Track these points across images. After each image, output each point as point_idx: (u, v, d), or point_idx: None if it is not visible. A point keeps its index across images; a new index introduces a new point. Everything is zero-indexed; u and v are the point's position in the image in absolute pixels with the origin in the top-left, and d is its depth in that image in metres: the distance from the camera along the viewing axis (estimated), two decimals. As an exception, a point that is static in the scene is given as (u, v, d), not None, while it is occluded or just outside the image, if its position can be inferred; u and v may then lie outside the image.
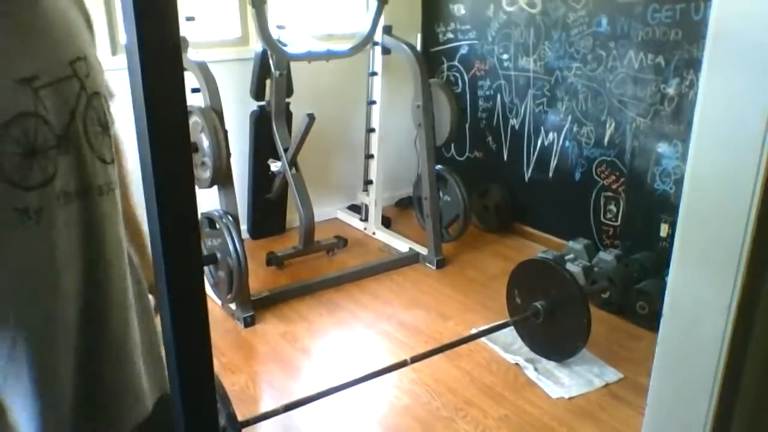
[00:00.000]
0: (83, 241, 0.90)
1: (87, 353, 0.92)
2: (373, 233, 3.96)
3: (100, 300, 0.93)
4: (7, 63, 0.82)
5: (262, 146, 3.63)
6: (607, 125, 3.29)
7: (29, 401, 0.87)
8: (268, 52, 3.28)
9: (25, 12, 0.86)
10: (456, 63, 4.11)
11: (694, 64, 2.84)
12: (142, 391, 1.01)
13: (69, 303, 0.89)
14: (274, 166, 3.48)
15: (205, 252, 2.94)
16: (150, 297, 1.08)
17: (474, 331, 2.76)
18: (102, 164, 0.93)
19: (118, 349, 0.96)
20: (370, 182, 3.93)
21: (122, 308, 0.97)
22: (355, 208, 4.20)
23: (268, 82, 3.48)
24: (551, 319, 2.51)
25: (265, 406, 2.32)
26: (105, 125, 0.95)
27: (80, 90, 0.90)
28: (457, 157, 4.28)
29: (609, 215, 3.41)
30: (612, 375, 2.55)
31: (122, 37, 0.58)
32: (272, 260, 3.52)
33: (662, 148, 3.05)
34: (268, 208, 3.86)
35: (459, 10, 3.98)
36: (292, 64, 3.42)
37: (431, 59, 4.17)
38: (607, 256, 3.14)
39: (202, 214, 2.89)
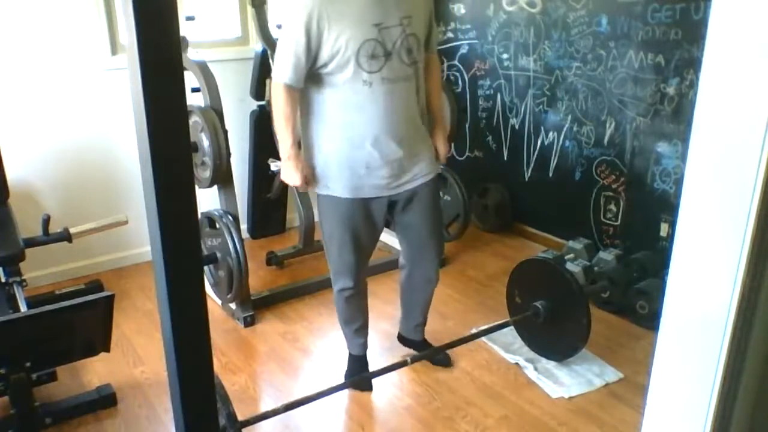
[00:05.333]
0: (388, 98, 2.04)
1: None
2: (373, 233, 3.96)
3: (391, 115, 2.07)
4: (372, 15, 1.97)
5: (262, 146, 3.62)
6: (607, 125, 3.29)
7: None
8: (268, 52, 3.28)
9: None
10: (456, 62, 4.11)
11: (694, 64, 2.84)
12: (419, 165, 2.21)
13: (377, 112, 2.05)
14: (274, 165, 3.46)
15: (205, 252, 2.94)
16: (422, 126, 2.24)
17: (474, 331, 2.76)
18: (405, 66, 2.06)
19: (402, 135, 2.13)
20: (370, 182, 3.93)
21: (404, 122, 2.12)
22: (355, 208, 4.19)
23: (268, 81, 3.47)
24: (551, 318, 2.51)
25: (265, 406, 2.32)
26: (410, 49, 2.05)
27: (401, 32, 2.02)
28: (456, 157, 4.28)
29: (609, 215, 3.41)
30: (612, 375, 2.55)
31: (122, 37, 0.58)
32: (272, 260, 3.52)
33: (662, 147, 3.05)
34: (268, 207, 3.85)
35: (459, 9, 3.98)
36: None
37: (431, 59, 4.16)
38: (607, 256, 3.14)
39: (202, 213, 2.89)
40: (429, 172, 2.25)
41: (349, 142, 2.09)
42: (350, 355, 2.54)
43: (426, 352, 2.56)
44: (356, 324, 2.45)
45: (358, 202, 2.16)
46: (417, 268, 2.43)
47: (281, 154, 2.13)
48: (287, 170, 2.13)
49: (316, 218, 3.51)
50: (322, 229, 2.28)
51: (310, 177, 2.16)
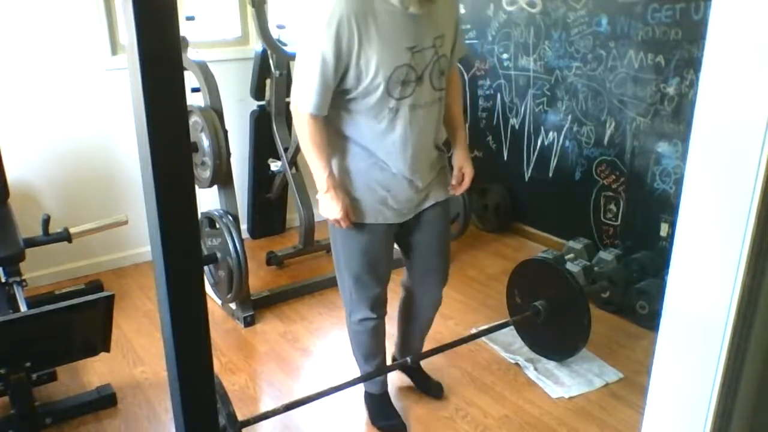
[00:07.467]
0: (411, 125, 1.84)
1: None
2: (373, 233, 3.95)
3: (413, 143, 1.87)
4: (407, 37, 1.74)
5: (262, 146, 3.63)
6: (607, 125, 3.29)
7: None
8: (268, 52, 3.28)
9: (429, 11, 1.76)
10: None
11: (694, 64, 2.84)
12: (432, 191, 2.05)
13: (401, 140, 1.85)
14: (274, 165, 3.48)
15: (205, 252, 2.94)
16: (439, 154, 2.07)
17: (474, 330, 2.76)
18: (434, 91, 1.87)
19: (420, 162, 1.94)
20: (370, 182, 3.93)
21: (425, 148, 1.93)
22: (355, 208, 4.20)
23: (268, 81, 3.48)
24: (551, 319, 2.51)
25: (265, 406, 2.32)
26: (442, 72, 1.87)
27: (434, 54, 1.82)
28: (457, 157, 4.28)
29: (609, 215, 3.40)
30: (612, 375, 2.55)
31: (122, 37, 0.58)
32: (272, 260, 3.52)
33: (662, 147, 3.05)
34: (268, 207, 3.86)
35: (459, 9, 3.98)
36: (293, 64, 3.42)
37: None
38: (607, 256, 3.14)
39: (202, 213, 2.89)
40: (441, 195, 2.08)
41: (367, 167, 1.89)
42: (369, 394, 2.32)
43: (427, 351, 2.55)
44: (377, 359, 2.22)
45: (377, 227, 1.97)
46: (421, 291, 2.23)
47: (318, 187, 1.88)
48: (327, 204, 1.88)
49: (317, 218, 3.51)
50: (335, 259, 2.08)
51: (350, 208, 1.90)
